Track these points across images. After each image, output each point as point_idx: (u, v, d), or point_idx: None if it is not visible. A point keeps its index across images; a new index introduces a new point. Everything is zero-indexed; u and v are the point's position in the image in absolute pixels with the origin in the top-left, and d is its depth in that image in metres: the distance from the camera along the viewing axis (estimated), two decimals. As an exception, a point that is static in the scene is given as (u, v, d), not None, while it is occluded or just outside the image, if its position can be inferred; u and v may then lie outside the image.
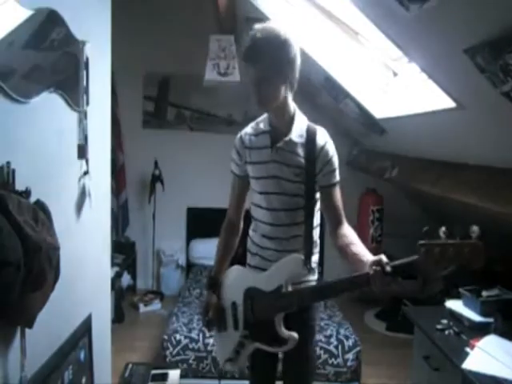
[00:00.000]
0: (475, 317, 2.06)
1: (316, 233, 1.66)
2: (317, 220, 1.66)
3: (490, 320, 2.01)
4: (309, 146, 1.59)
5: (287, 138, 1.58)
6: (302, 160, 1.58)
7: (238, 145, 1.70)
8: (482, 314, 2.06)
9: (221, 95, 4.45)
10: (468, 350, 1.83)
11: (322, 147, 1.59)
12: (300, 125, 1.62)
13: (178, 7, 4.29)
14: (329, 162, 1.59)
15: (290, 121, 1.61)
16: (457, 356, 1.78)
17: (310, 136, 1.60)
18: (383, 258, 1.32)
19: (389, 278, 1.29)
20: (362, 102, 2.92)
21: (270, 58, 1.46)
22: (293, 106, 1.63)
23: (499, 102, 1.41)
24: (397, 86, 2.56)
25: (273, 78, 1.50)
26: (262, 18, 3.06)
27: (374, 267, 1.30)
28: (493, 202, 1.86)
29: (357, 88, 2.85)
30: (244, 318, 1.63)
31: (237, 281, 1.69)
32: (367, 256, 1.40)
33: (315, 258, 1.66)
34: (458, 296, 2.25)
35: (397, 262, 1.33)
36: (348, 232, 1.57)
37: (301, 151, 1.59)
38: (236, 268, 1.75)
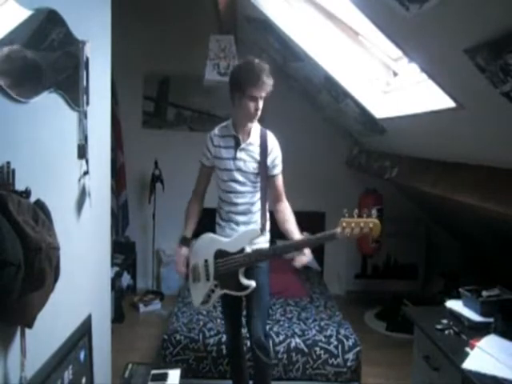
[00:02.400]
0: (475, 317, 2.06)
1: (267, 208, 2.30)
2: (267, 199, 2.28)
3: (490, 320, 2.01)
4: (262, 147, 2.21)
5: (248, 141, 2.21)
6: (258, 157, 2.21)
7: (209, 143, 2.29)
8: (482, 314, 2.06)
9: (221, 95, 4.42)
10: (468, 349, 1.83)
11: (272, 148, 2.22)
12: (256, 130, 2.24)
13: (177, 7, 4.29)
14: (276, 159, 2.24)
15: (249, 127, 2.22)
16: (457, 356, 1.78)
17: (263, 139, 2.22)
18: (306, 235, 2.15)
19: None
20: (362, 102, 2.91)
21: (268, 82, 2.10)
22: None
23: (499, 102, 1.41)
24: (397, 85, 2.56)
25: (263, 97, 2.14)
26: (262, 17, 3.07)
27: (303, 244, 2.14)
28: (493, 202, 1.86)
29: (357, 88, 2.85)
30: (214, 271, 2.22)
31: (209, 243, 2.27)
32: (295, 235, 2.16)
33: (267, 225, 2.30)
34: (457, 296, 2.25)
35: (319, 234, 2.14)
36: (284, 208, 2.27)
37: (257, 150, 2.21)
38: (208, 235, 2.33)
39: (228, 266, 2.17)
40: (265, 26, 3.23)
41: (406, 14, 1.37)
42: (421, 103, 2.14)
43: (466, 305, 2.17)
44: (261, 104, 2.10)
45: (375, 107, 2.84)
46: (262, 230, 2.23)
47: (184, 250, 2.31)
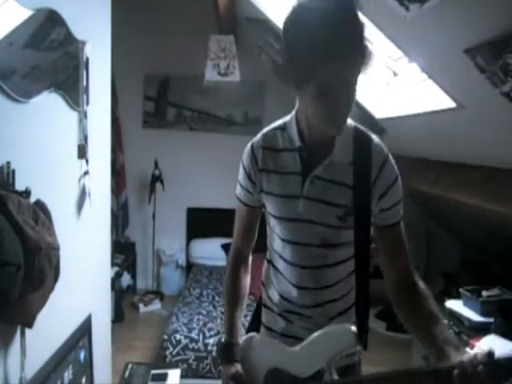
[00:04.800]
0: (475, 317, 2.06)
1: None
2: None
3: (490, 320, 2.01)
4: (359, 166, 1.06)
5: (327, 161, 1.07)
6: (350, 191, 1.07)
7: (249, 164, 1.17)
8: (482, 314, 2.06)
9: (221, 95, 4.44)
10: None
11: (382, 166, 1.06)
12: (345, 134, 1.06)
13: (178, 7, 4.29)
14: (392, 187, 1.10)
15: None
16: (457, 356, 1.78)
17: (362, 150, 1.07)
18: (479, 355, 0.81)
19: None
20: (362, 102, 2.91)
21: (360, 46, 0.93)
22: None
23: (499, 102, 1.41)
24: (397, 85, 2.55)
25: (357, 80, 0.98)
26: (262, 18, 3.07)
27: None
28: (493, 202, 1.86)
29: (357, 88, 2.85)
30: None
31: (254, 357, 1.15)
32: (451, 345, 0.91)
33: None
34: (458, 296, 2.25)
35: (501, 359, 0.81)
36: (424, 295, 1.06)
37: (348, 176, 1.07)
38: (251, 337, 1.20)
39: None
40: (265, 26, 3.23)
41: (406, 13, 1.37)
42: (421, 103, 2.14)
43: (465, 305, 2.17)
44: (353, 95, 0.99)
45: (375, 107, 2.84)
46: (361, 335, 1.08)
47: (235, 368, 1.13)
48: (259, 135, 1.19)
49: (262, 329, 1.28)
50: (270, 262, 1.27)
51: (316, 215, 1.09)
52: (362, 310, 1.11)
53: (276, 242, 1.20)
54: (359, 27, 0.91)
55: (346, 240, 1.12)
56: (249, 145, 1.20)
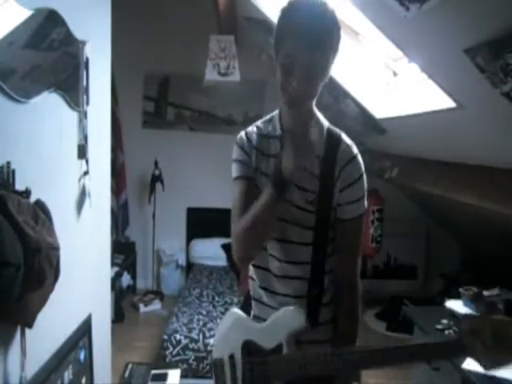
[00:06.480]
0: (475, 317, 2.06)
1: (328, 278, 1.25)
2: (330, 262, 1.25)
3: (490, 320, 2.01)
4: (327, 161, 1.19)
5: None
6: (317, 181, 1.19)
7: (244, 143, 1.28)
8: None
9: (221, 95, 4.44)
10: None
11: (346, 164, 1.19)
12: (320, 130, 1.22)
13: (177, 7, 4.29)
14: (353, 184, 1.19)
15: (308, 125, 1.20)
16: (457, 356, 1.78)
17: (331, 146, 1.21)
18: None
19: None
20: (362, 102, 2.91)
21: (332, 40, 1.12)
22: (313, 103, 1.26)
23: (499, 102, 1.41)
24: (397, 85, 2.55)
25: (327, 67, 1.14)
26: (262, 18, 3.07)
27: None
28: (493, 202, 1.86)
29: (357, 88, 2.85)
30: (243, 377, 1.25)
31: (235, 327, 1.33)
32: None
33: (325, 311, 1.25)
34: (458, 296, 2.25)
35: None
36: (349, 292, 1.24)
37: (316, 169, 1.19)
38: (234, 312, 1.38)
39: (262, 372, 1.21)
40: (264, 27, 3.23)
41: (406, 13, 1.37)
42: (421, 103, 2.14)
43: (466, 305, 2.17)
44: (314, 76, 1.13)
45: (375, 107, 2.84)
46: (311, 314, 1.22)
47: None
48: (251, 126, 1.32)
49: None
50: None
51: (290, 196, 1.19)
52: (314, 292, 1.23)
53: None
54: (330, 22, 1.11)
55: (311, 225, 1.21)
56: (242, 132, 1.31)
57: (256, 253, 1.26)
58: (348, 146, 1.23)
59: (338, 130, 1.26)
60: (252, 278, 1.35)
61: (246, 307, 1.39)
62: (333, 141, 1.22)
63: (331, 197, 1.19)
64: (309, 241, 1.22)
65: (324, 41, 1.10)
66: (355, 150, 1.23)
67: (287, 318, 1.22)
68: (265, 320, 1.28)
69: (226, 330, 1.37)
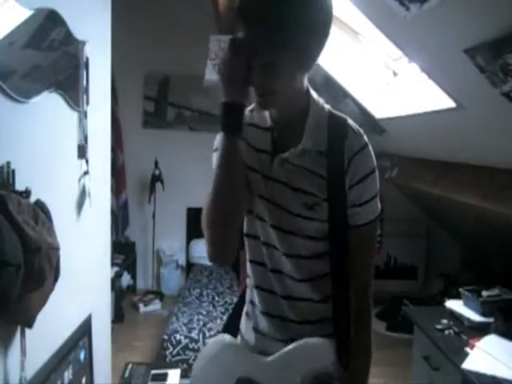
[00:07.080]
0: (475, 317, 2.06)
1: (327, 281, 1.02)
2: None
3: (490, 320, 2.01)
4: (333, 154, 0.96)
5: (300, 147, 0.97)
6: (323, 182, 0.96)
7: None
8: (482, 314, 2.06)
9: (221, 95, 4.43)
10: (468, 349, 1.83)
11: (355, 155, 0.96)
12: (318, 120, 0.99)
13: (178, 7, 4.29)
14: (363, 180, 0.97)
15: (302, 115, 0.99)
16: (457, 356, 1.79)
17: (336, 135, 0.97)
18: None
19: None
20: (362, 102, 2.92)
21: (289, 19, 0.86)
22: (305, 87, 1.01)
23: (499, 102, 1.41)
24: (397, 85, 2.55)
25: (290, 61, 0.91)
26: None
27: None
28: (493, 202, 1.86)
29: (357, 88, 2.85)
30: None
31: (222, 362, 1.04)
32: None
33: (323, 307, 1.04)
34: (458, 296, 2.25)
35: None
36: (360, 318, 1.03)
37: (321, 166, 0.97)
38: (222, 339, 1.07)
39: None
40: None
41: (406, 13, 1.37)
42: (421, 103, 2.14)
43: (465, 305, 2.17)
44: (272, 74, 0.93)
45: (375, 107, 2.84)
46: (341, 351, 0.99)
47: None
48: None
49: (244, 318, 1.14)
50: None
51: (280, 199, 0.99)
52: (341, 323, 0.99)
53: (248, 220, 1.06)
54: (297, 16, 0.86)
55: (316, 235, 0.99)
56: None
57: (227, 234, 0.98)
58: (356, 133, 0.99)
59: (342, 116, 1.02)
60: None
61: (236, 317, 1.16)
62: (337, 129, 0.98)
63: (345, 196, 0.96)
64: (311, 254, 1.00)
65: (278, 13, 0.85)
66: (365, 138, 1.00)
67: (312, 351, 0.93)
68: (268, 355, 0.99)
69: (213, 361, 1.05)
